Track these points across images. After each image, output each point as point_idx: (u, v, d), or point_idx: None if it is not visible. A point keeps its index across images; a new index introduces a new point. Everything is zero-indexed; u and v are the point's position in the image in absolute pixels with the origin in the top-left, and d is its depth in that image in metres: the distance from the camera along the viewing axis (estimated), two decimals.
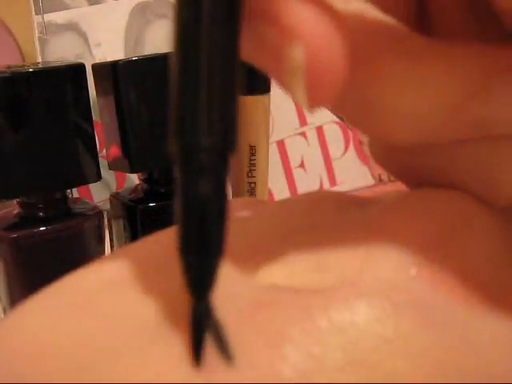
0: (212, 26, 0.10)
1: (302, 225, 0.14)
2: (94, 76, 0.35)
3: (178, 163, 0.11)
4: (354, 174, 0.58)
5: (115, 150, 0.35)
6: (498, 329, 0.12)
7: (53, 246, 0.32)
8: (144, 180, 0.37)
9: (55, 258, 0.32)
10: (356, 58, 0.12)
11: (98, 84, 0.35)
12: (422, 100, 0.12)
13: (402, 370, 0.11)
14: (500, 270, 0.12)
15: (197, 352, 0.10)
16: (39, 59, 0.44)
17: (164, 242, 0.13)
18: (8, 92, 0.29)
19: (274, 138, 0.53)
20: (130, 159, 0.33)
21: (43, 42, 0.44)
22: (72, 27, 0.45)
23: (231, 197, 0.39)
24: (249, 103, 0.35)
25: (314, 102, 0.11)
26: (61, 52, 0.45)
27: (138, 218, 0.35)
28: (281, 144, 0.54)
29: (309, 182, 0.56)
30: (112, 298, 0.12)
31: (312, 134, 0.56)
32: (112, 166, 0.36)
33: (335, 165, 0.57)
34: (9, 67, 0.31)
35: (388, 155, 0.14)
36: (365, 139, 0.57)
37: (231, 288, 0.12)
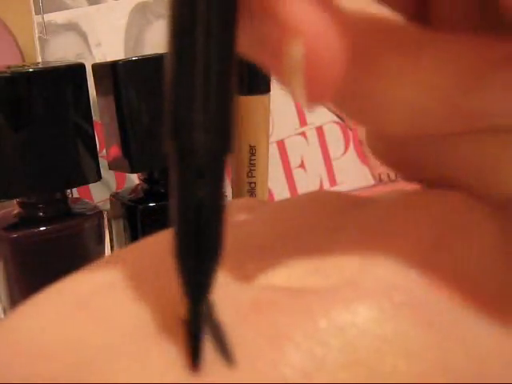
0: (208, 26, 0.10)
1: (302, 226, 0.14)
2: (93, 76, 0.35)
3: (174, 165, 0.11)
4: (354, 174, 0.58)
5: (115, 150, 0.35)
6: (496, 331, 0.12)
7: (53, 246, 0.32)
8: (144, 180, 0.37)
9: (55, 258, 0.32)
10: (354, 52, 0.12)
11: (98, 84, 0.35)
12: (417, 93, 0.12)
13: (402, 370, 0.11)
14: (500, 273, 0.12)
15: (194, 355, 0.10)
16: (39, 59, 0.44)
17: (163, 243, 0.13)
18: (8, 92, 0.29)
19: (273, 137, 0.53)
20: (130, 159, 0.33)
21: (43, 42, 0.44)
22: (72, 27, 0.45)
23: (231, 197, 0.39)
24: (249, 103, 0.35)
25: (313, 99, 0.11)
26: (61, 52, 0.45)
27: (138, 218, 0.35)
28: (281, 144, 0.54)
29: (309, 182, 0.56)
30: (111, 300, 0.12)
31: (312, 134, 0.56)
32: (112, 166, 0.36)
33: (335, 165, 0.57)
34: (9, 67, 0.31)
35: (386, 148, 0.14)
36: (364, 138, 0.57)
37: (231, 290, 0.12)
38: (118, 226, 0.37)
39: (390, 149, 0.14)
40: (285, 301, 0.11)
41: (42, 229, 0.32)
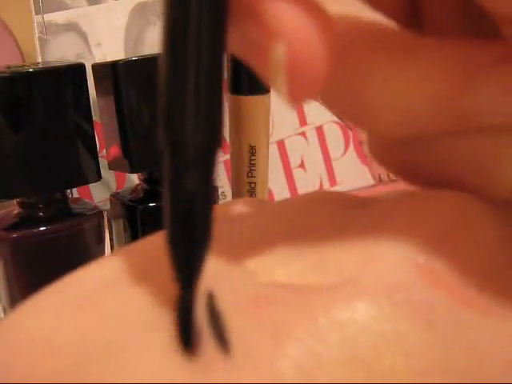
0: (199, 27, 0.11)
1: (302, 225, 0.14)
2: (93, 76, 0.35)
3: (166, 158, 0.11)
4: (354, 174, 0.58)
5: (115, 150, 0.35)
6: (497, 330, 0.12)
7: (53, 246, 0.32)
8: (144, 180, 0.37)
9: (55, 258, 0.32)
10: (344, 55, 0.12)
11: (98, 84, 0.35)
12: (408, 95, 0.12)
13: (400, 369, 0.11)
14: (500, 271, 0.12)
15: (185, 340, 0.10)
16: (39, 59, 0.44)
17: (162, 242, 0.14)
18: (8, 92, 0.29)
19: (274, 137, 0.53)
20: (130, 159, 0.34)
21: (43, 42, 0.44)
22: (72, 27, 0.45)
23: (231, 197, 0.39)
24: (249, 103, 0.35)
25: (296, 98, 0.12)
26: (61, 52, 0.45)
27: (138, 218, 0.35)
28: (281, 144, 0.54)
29: (309, 182, 0.56)
30: (113, 298, 0.12)
31: (312, 134, 0.56)
32: (112, 166, 0.36)
33: (335, 165, 0.57)
34: (9, 67, 0.31)
35: (386, 151, 0.15)
36: (364, 138, 0.57)
37: (231, 285, 0.12)
38: (118, 226, 0.37)
39: (390, 152, 0.14)
40: (285, 297, 0.11)
41: (41, 229, 0.32)
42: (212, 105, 0.11)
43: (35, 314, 0.12)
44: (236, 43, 0.12)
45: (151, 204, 0.35)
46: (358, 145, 0.58)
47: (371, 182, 0.59)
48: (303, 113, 0.55)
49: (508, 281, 0.12)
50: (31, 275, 0.32)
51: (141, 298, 0.12)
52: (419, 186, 0.15)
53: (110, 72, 0.33)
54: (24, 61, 0.51)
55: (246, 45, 0.12)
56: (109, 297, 0.12)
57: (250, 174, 0.37)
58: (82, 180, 0.32)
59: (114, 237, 0.38)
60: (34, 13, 0.43)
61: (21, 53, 0.51)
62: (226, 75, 0.36)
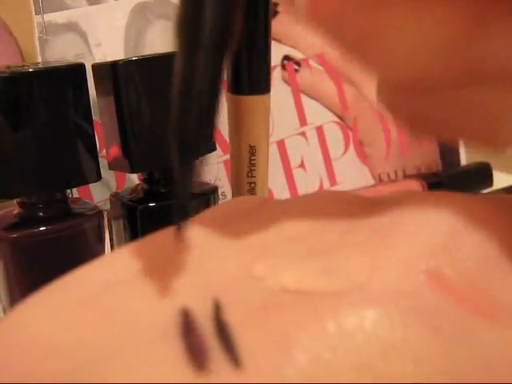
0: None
1: (310, 227, 0.14)
2: (93, 76, 0.35)
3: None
4: (354, 174, 0.58)
5: (115, 150, 0.35)
6: (506, 339, 0.12)
7: (53, 246, 0.32)
8: (144, 180, 0.37)
9: (55, 258, 0.32)
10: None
11: (98, 84, 0.35)
12: (421, 36, 0.12)
13: (408, 377, 0.11)
14: (509, 276, 0.12)
15: (181, 224, 0.11)
16: (39, 59, 0.44)
17: (166, 241, 0.14)
18: (8, 92, 0.29)
19: (273, 137, 0.53)
20: (130, 159, 0.33)
21: (43, 42, 0.44)
22: (72, 27, 0.45)
23: (231, 197, 0.39)
24: (249, 103, 0.35)
25: (314, 12, 0.12)
26: (61, 52, 0.45)
27: (138, 218, 0.35)
28: (281, 144, 0.54)
29: (309, 182, 0.56)
30: (115, 297, 0.12)
31: (312, 134, 0.56)
32: (112, 166, 0.36)
33: (335, 165, 0.57)
34: (9, 67, 0.31)
35: (394, 99, 0.15)
36: (364, 138, 0.57)
37: (239, 290, 0.12)
38: (118, 225, 0.37)
39: (398, 99, 0.15)
40: (293, 304, 0.11)
41: (41, 229, 0.32)
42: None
43: (36, 312, 0.12)
44: None
45: (151, 204, 0.35)
46: (358, 145, 0.58)
47: (371, 181, 0.59)
48: (303, 113, 0.55)
49: None
50: (31, 275, 0.32)
51: (146, 300, 0.12)
52: (424, 135, 0.15)
53: (110, 72, 0.33)
54: (24, 61, 0.51)
55: None
56: (112, 297, 0.12)
57: (250, 174, 0.37)
58: (82, 180, 0.32)
59: (113, 237, 0.38)
60: (34, 13, 0.43)
61: (21, 53, 0.51)
62: (225, 75, 0.36)
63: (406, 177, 0.59)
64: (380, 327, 0.11)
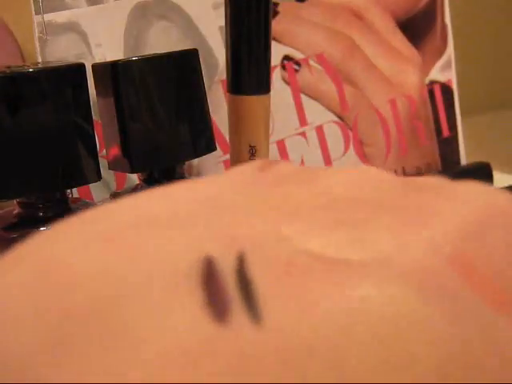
0: None
1: (343, 197, 0.14)
2: (93, 76, 0.35)
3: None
4: None
5: (115, 150, 0.35)
6: None
7: None
8: (144, 180, 0.37)
9: None
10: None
11: (98, 84, 0.35)
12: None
13: (420, 357, 0.11)
14: None
15: None
16: (39, 59, 0.44)
17: (199, 188, 0.13)
18: (8, 92, 0.29)
19: (273, 137, 0.53)
20: (130, 159, 0.33)
21: (43, 42, 0.44)
22: (72, 27, 0.45)
23: None
24: (249, 103, 0.35)
25: None
26: (61, 52, 0.45)
27: None
28: (281, 144, 0.54)
29: None
30: (142, 236, 0.12)
31: (312, 134, 0.56)
32: (112, 166, 0.36)
33: (335, 165, 0.57)
34: (9, 67, 0.31)
35: None
36: (364, 138, 0.57)
37: (265, 246, 0.12)
38: None
39: None
40: (318, 268, 0.11)
41: (42, 229, 0.32)
42: None
43: (62, 242, 0.12)
44: None
45: None
46: (358, 145, 0.58)
47: None
48: (303, 113, 0.55)
49: None
50: None
51: (172, 244, 0.12)
52: None
53: (109, 72, 0.33)
54: (24, 61, 0.51)
55: None
56: (139, 236, 0.12)
57: None
58: (82, 180, 0.32)
59: None
60: (34, 13, 0.43)
61: (21, 53, 0.51)
62: (226, 75, 0.36)
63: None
64: (399, 303, 0.11)
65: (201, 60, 0.36)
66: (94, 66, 0.35)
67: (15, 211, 0.33)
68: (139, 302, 0.10)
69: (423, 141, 0.59)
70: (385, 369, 0.10)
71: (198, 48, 0.36)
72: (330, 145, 0.57)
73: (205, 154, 0.36)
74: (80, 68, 0.31)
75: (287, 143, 0.55)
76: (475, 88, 0.81)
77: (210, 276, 0.11)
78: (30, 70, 0.30)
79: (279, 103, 0.51)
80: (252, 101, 0.35)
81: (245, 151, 0.36)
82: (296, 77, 0.54)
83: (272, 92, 0.37)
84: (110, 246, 0.12)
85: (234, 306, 0.11)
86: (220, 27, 0.47)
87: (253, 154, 0.36)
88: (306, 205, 0.13)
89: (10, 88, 0.29)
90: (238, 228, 0.12)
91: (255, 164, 0.16)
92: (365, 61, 0.54)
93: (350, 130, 0.57)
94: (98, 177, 0.33)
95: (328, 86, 0.54)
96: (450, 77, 0.59)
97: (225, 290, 0.11)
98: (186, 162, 0.36)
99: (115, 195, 0.37)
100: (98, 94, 0.35)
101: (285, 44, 0.52)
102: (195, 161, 0.46)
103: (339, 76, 0.55)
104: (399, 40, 0.55)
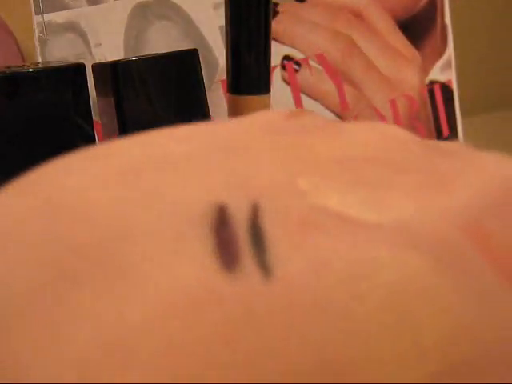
0: None
1: (365, 156, 0.13)
2: (93, 76, 0.35)
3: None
4: None
5: None
6: None
7: None
8: None
9: None
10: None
11: (98, 84, 0.35)
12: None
13: (424, 326, 0.10)
14: None
15: None
16: (39, 59, 0.44)
17: (221, 132, 0.13)
18: (8, 92, 0.29)
19: None
20: None
21: (43, 42, 0.44)
22: (72, 27, 0.45)
23: None
24: (249, 103, 0.35)
25: None
26: (61, 52, 0.45)
27: None
28: None
29: None
30: (156, 175, 0.12)
31: None
32: None
33: None
34: (9, 67, 0.31)
35: None
36: None
37: (279, 198, 0.11)
38: None
39: None
40: (332, 226, 0.11)
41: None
42: None
43: (75, 173, 0.12)
44: None
45: None
46: None
47: None
48: None
49: None
50: None
51: (186, 188, 0.11)
52: None
53: (109, 72, 0.33)
54: (24, 61, 0.51)
55: None
56: (153, 174, 0.12)
57: None
58: None
59: None
60: (34, 13, 0.43)
61: (21, 53, 0.51)
62: (226, 75, 0.36)
63: None
64: (411, 271, 0.11)
65: (201, 60, 0.36)
66: (94, 66, 0.35)
67: None
68: (148, 242, 0.10)
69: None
70: (388, 334, 0.10)
71: (198, 48, 0.36)
72: None
73: None
74: (80, 68, 0.31)
75: None
76: (475, 88, 0.81)
77: (221, 223, 0.11)
78: (30, 69, 0.30)
79: (279, 103, 0.51)
80: (252, 101, 0.35)
81: None
82: (296, 77, 0.54)
83: (272, 92, 0.37)
84: (125, 183, 0.11)
85: (244, 256, 0.10)
86: (220, 27, 0.47)
87: None
88: (328, 160, 0.13)
89: (9, 88, 0.29)
90: (254, 177, 0.12)
91: (282, 112, 0.15)
92: (365, 61, 0.54)
93: None
94: None
95: (328, 86, 0.54)
96: (450, 77, 0.59)
97: (236, 239, 0.10)
98: None
99: None
100: (97, 94, 0.35)
101: (285, 44, 0.52)
102: None
103: (339, 76, 0.55)
104: (399, 40, 0.55)
